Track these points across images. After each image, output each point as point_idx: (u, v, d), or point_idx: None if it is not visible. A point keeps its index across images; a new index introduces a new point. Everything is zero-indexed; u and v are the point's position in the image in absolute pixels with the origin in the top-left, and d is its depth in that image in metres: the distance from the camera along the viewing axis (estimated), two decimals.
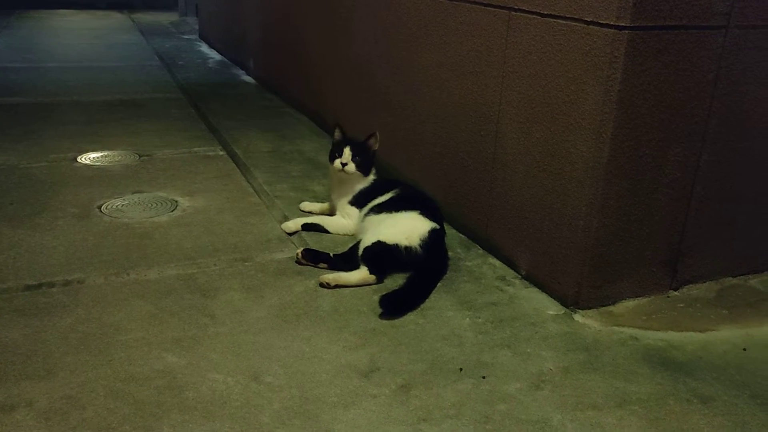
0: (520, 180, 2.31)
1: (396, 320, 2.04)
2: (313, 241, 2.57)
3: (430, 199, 2.57)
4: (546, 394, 1.73)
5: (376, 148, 2.63)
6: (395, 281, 2.26)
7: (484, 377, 1.79)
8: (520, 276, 2.35)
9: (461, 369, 1.82)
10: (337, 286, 2.22)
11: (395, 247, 2.29)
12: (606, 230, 2.06)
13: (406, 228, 2.36)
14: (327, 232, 2.66)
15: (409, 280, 2.22)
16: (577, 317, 2.09)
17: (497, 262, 2.46)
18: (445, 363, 1.85)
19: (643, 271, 2.19)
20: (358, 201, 2.65)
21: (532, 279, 2.30)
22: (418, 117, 2.93)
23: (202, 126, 4.17)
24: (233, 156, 3.59)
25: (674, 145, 2.06)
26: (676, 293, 2.24)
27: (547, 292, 2.23)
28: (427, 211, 2.44)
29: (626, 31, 1.86)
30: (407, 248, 2.30)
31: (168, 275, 2.29)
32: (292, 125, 4.27)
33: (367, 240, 2.33)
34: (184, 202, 2.92)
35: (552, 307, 2.15)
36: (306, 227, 2.67)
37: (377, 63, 3.31)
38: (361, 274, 2.25)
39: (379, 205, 2.53)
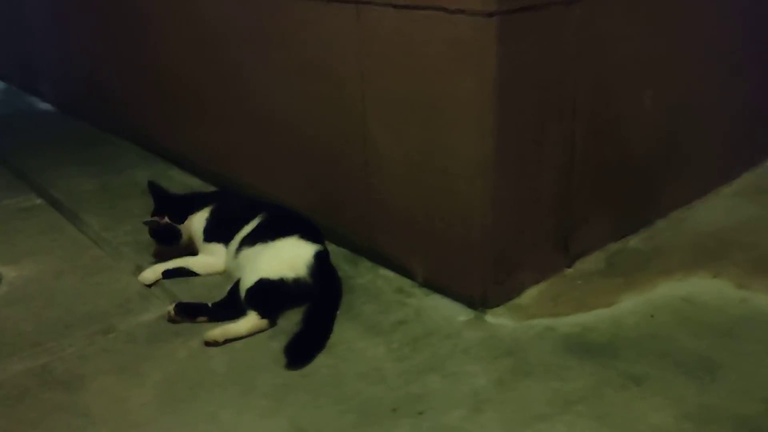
0: (400, 183, 2.16)
1: (306, 368, 1.82)
2: (181, 290, 2.24)
3: (304, 218, 2.34)
4: (490, 416, 1.61)
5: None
6: (289, 319, 2.03)
7: (420, 413, 1.63)
8: (417, 284, 2.21)
9: (394, 409, 1.65)
10: (226, 341, 1.94)
11: (281, 282, 2.05)
12: (501, 223, 1.98)
13: (288, 257, 2.13)
14: (194, 274, 2.34)
15: (306, 316, 1.99)
16: (489, 318, 2.00)
17: (390, 273, 2.30)
18: (375, 406, 1.66)
19: (539, 255, 2.14)
20: (216, 234, 2.36)
21: (432, 285, 2.17)
22: (272, 128, 2.67)
23: (4, 172, 3.57)
24: (55, 203, 3.09)
25: (551, 124, 2.01)
26: (570, 270, 2.23)
27: (450, 297, 2.11)
28: (306, 233, 2.22)
29: (495, 17, 1.76)
30: (295, 280, 2.07)
31: (13, 372, 1.87)
32: (116, 153, 3.79)
33: (248, 279, 2.07)
34: (9, 273, 2.43)
35: (461, 313, 2.04)
36: (168, 274, 2.33)
37: (207, 72, 2.99)
38: (251, 321, 1.98)
39: (250, 235, 2.26)
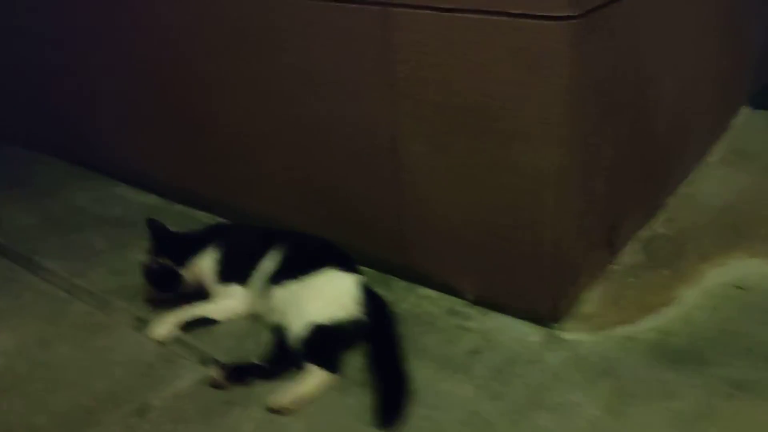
0: (441, 198, 1.99)
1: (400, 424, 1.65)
2: (208, 345, 1.96)
3: (327, 242, 2.11)
4: None
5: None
6: (350, 365, 1.83)
7: None
8: (468, 302, 2.07)
9: None
10: (296, 406, 1.72)
11: (337, 327, 1.84)
12: (567, 232, 1.88)
13: (334, 294, 1.92)
14: (213, 322, 2.07)
15: (376, 362, 1.80)
16: (563, 334, 1.91)
17: (431, 293, 2.14)
18: None
19: (592, 258, 2.07)
20: (231, 274, 2.10)
21: (487, 303, 2.04)
22: (280, 145, 2.39)
23: None
24: None
25: (605, 124, 1.92)
26: (615, 266, 2.18)
27: (511, 314, 1.99)
28: (339, 261, 2.01)
29: (568, 21, 1.60)
30: (350, 320, 1.87)
31: None
32: (41, 174, 3.28)
33: (296, 327, 1.84)
34: None
35: (530, 331, 1.93)
36: (186, 325, 2.03)
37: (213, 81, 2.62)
38: (316, 377, 1.76)
39: (277, 271, 2.01)
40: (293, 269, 1.99)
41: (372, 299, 1.94)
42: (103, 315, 2.17)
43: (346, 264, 2.00)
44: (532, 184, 1.79)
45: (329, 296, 1.91)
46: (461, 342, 1.91)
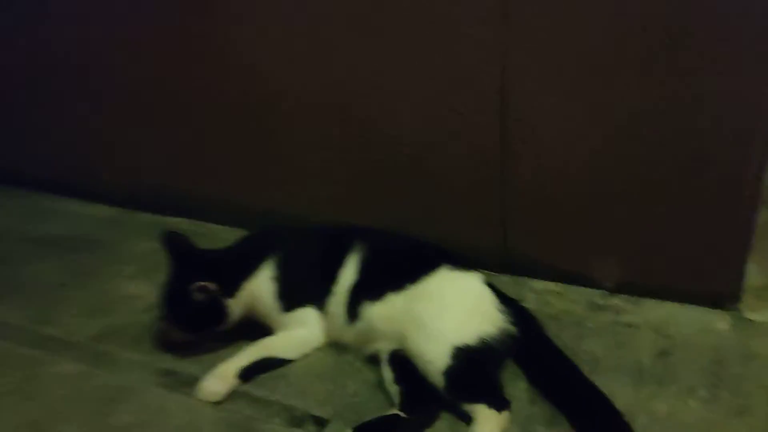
0: (572, 176, 1.53)
1: None
2: (288, 392, 1.38)
3: (415, 239, 1.58)
4: None
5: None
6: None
7: None
8: (608, 292, 1.62)
9: None
10: None
11: (486, 345, 1.32)
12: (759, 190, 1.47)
13: (469, 301, 1.40)
14: (282, 362, 1.47)
15: (560, 392, 1.30)
16: (754, 316, 1.51)
17: (550, 285, 1.67)
18: None
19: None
20: (300, 295, 1.51)
21: (632, 289, 1.60)
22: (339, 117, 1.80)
23: None
24: None
25: None
26: None
27: (673, 299, 1.56)
28: (446, 257, 1.48)
29: None
30: (498, 334, 1.35)
31: None
32: None
33: (428, 353, 1.30)
34: None
35: (713, 318, 1.51)
36: (247, 374, 1.42)
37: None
38: (488, 421, 1.23)
39: (371, 283, 1.45)
40: (393, 276, 1.45)
41: (508, 303, 1.44)
42: (107, 374, 1.49)
43: (456, 260, 1.48)
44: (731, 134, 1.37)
45: (463, 305, 1.39)
46: (636, 343, 1.46)
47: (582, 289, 1.64)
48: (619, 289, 1.61)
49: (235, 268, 1.49)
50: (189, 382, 1.42)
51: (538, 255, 1.67)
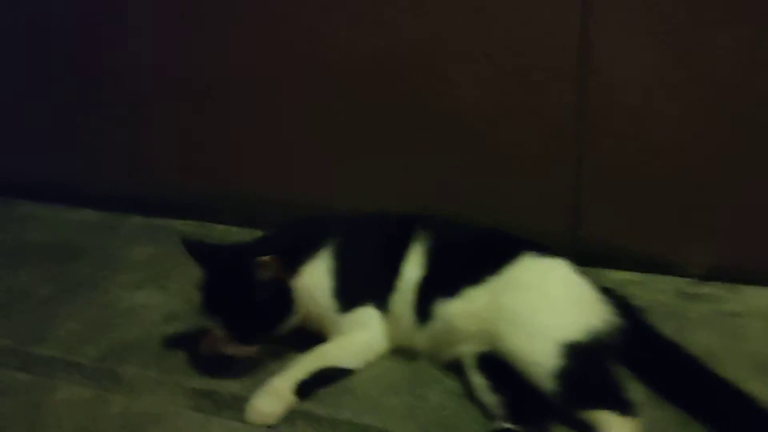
0: (667, 151, 1.36)
1: None
2: (357, 409, 1.14)
3: (479, 226, 1.37)
4: None
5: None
6: None
7: None
8: (700, 280, 1.44)
9: None
10: None
11: (598, 340, 1.11)
12: None
13: (567, 292, 1.20)
14: (344, 373, 1.22)
15: (695, 394, 1.09)
16: None
17: (628, 275, 1.48)
18: None
19: None
20: (359, 291, 1.27)
21: (725, 275, 1.42)
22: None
23: None
24: None
25: None
26: None
27: None
28: (524, 243, 1.27)
29: None
30: (608, 327, 1.15)
31: None
32: None
33: (534, 353, 1.08)
34: None
35: None
36: (305, 390, 1.17)
37: None
38: (622, 428, 1.02)
39: (442, 276, 1.23)
40: (468, 267, 1.23)
41: (608, 293, 1.24)
42: (125, 399, 1.22)
43: (535, 245, 1.27)
44: None
45: (563, 295, 1.18)
46: (748, 333, 1.27)
47: (666, 277, 1.46)
48: (709, 276, 1.43)
49: (285, 260, 1.24)
50: (231, 404, 1.18)
51: (616, 241, 1.48)
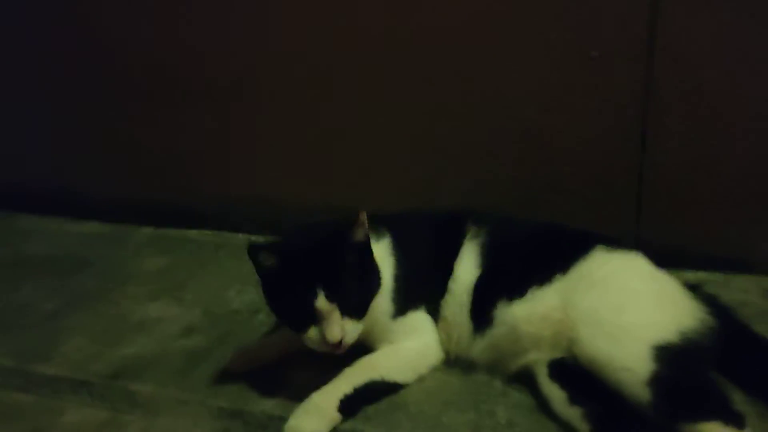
0: (734, 134, 1.21)
1: None
2: (416, 430, 0.97)
3: (550, 222, 1.21)
4: None
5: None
6: None
7: None
8: None
9: None
10: None
11: (692, 342, 0.95)
12: None
13: (655, 289, 1.03)
14: (395, 387, 1.05)
15: None
16: None
17: (703, 275, 1.31)
18: None
19: None
20: (412, 293, 1.10)
21: None
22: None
23: None
24: None
25: None
26: None
27: None
28: (593, 237, 1.11)
29: None
30: (701, 328, 0.98)
31: None
32: None
33: (622, 358, 0.92)
34: None
35: None
36: (350, 405, 1.00)
37: None
38: None
39: (500, 277, 1.07)
40: (532, 265, 1.07)
41: (697, 291, 1.08)
42: (143, 420, 1.06)
43: (606, 238, 1.11)
44: None
45: (650, 292, 1.02)
46: None
47: (747, 276, 1.30)
48: None
49: None
50: (265, 424, 1.02)
51: (684, 237, 1.32)
